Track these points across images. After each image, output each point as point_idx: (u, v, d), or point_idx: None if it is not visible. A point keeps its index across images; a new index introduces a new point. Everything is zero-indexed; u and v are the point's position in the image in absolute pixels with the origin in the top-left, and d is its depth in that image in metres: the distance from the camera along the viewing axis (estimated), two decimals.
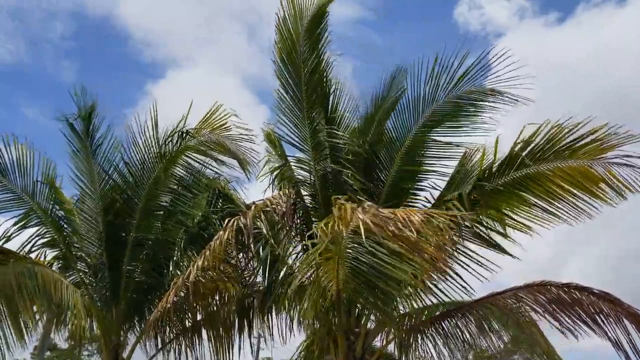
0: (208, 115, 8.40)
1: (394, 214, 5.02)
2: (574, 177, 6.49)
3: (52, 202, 8.43)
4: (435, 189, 7.84)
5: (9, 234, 8.18)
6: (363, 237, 4.83)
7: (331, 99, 8.15)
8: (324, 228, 5.10)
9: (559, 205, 6.84)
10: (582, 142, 6.38)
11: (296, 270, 5.99)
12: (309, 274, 6.28)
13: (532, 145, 6.62)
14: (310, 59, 7.56)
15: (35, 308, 6.84)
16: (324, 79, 7.85)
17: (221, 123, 8.35)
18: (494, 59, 7.18)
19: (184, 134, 8.29)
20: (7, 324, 6.46)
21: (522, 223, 7.19)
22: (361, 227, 4.82)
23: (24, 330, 6.58)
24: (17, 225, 8.24)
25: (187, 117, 8.35)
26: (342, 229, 5.01)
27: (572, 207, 6.79)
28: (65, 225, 8.55)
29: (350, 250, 5.42)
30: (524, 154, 6.60)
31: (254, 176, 9.31)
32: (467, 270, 7.19)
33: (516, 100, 7.19)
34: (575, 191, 6.63)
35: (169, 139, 8.32)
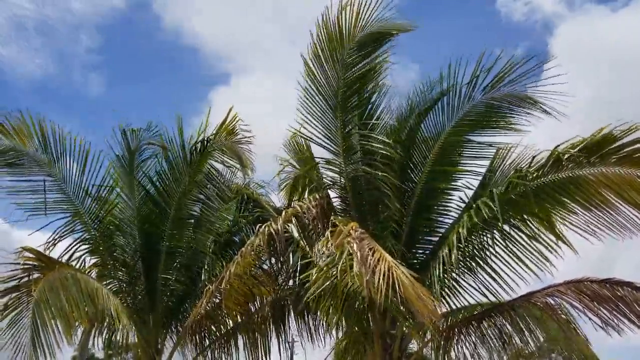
0: (224, 121, 8.40)
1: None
2: (620, 186, 5.92)
3: (99, 209, 8.53)
4: (469, 188, 7.65)
5: (57, 237, 8.20)
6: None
7: (371, 103, 7.82)
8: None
9: (600, 215, 6.29)
10: (633, 147, 5.83)
11: (314, 272, 5.92)
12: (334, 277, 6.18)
13: (577, 147, 6.09)
14: (358, 66, 7.24)
15: (74, 315, 6.80)
16: (367, 85, 7.52)
17: (233, 129, 8.42)
18: (527, 59, 7.01)
19: (205, 141, 8.32)
20: (52, 329, 6.34)
21: (557, 230, 6.67)
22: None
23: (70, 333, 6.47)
24: (66, 229, 8.27)
25: (206, 123, 8.37)
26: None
27: (616, 219, 6.24)
28: (108, 233, 8.66)
29: None
30: (566, 156, 6.13)
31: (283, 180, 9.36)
32: (507, 271, 7.04)
33: (555, 111, 7.01)
34: (620, 202, 6.06)
35: (193, 147, 8.37)
